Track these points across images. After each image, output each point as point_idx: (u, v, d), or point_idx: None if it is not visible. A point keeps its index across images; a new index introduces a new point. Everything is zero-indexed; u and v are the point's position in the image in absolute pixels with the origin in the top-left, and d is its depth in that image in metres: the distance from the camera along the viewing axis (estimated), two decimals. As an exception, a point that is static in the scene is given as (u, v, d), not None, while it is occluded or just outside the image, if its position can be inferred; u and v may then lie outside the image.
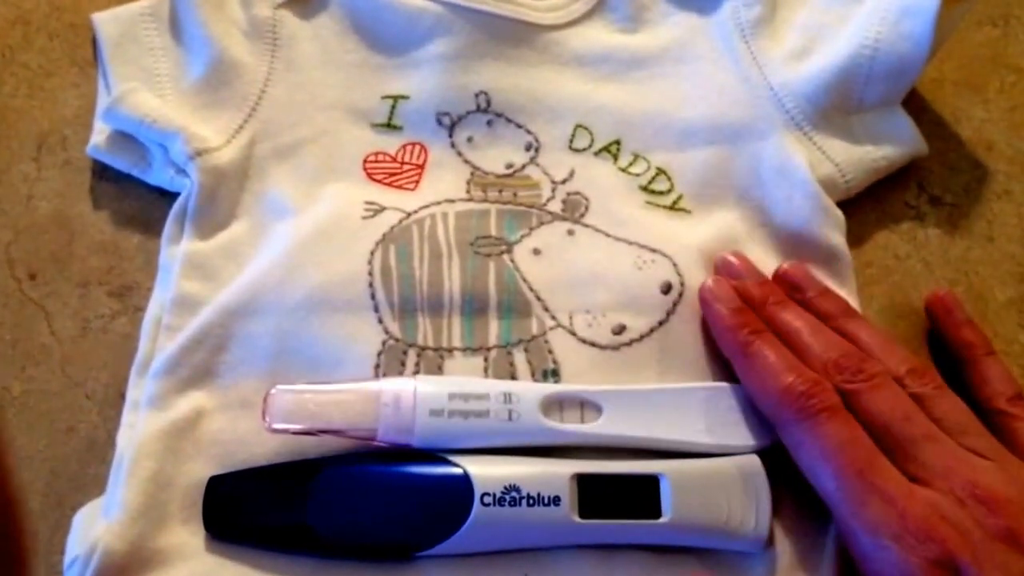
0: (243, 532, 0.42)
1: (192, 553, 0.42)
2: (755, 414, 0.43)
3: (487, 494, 0.40)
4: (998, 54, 0.57)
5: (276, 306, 0.46)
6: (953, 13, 0.50)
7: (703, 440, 0.43)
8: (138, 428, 0.44)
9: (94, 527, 0.41)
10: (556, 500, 0.40)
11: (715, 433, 0.43)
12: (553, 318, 0.46)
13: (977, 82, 0.56)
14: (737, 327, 0.44)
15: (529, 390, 0.43)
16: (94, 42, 0.54)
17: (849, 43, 0.51)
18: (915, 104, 0.54)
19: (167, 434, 0.43)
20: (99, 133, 0.52)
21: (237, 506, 0.42)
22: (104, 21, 0.54)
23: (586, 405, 0.43)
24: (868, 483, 0.38)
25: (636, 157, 0.51)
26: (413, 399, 0.42)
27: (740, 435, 0.43)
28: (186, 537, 0.42)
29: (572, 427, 0.43)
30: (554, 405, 0.43)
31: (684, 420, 0.43)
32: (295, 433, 0.42)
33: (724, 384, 0.44)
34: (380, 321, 0.46)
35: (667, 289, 0.47)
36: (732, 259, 0.47)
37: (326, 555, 0.41)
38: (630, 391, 0.44)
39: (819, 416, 0.39)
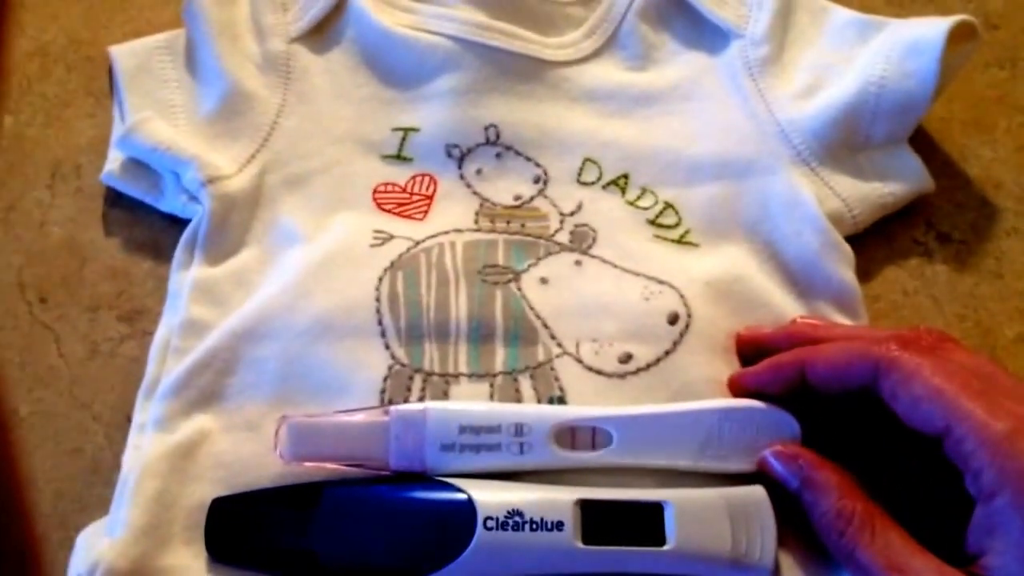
0: (245, 555, 0.42)
1: (194, 575, 0.41)
2: (769, 434, 0.43)
3: (490, 518, 0.40)
4: (1005, 95, 0.57)
5: (283, 330, 0.46)
6: (958, 53, 0.51)
7: (714, 465, 0.42)
8: (144, 449, 0.44)
9: (97, 546, 0.41)
10: (559, 525, 0.40)
11: (727, 458, 0.42)
12: (560, 346, 0.46)
13: (985, 122, 0.56)
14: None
15: (540, 419, 0.43)
16: (110, 74, 0.56)
17: (855, 81, 0.51)
18: (924, 143, 0.54)
19: (172, 455, 0.43)
20: (113, 161, 0.53)
21: (240, 529, 0.42)
22: (121, 54, 0.55)
23: (597, 431, 0.43)
24: None
25: (644, 191, 0.52)
26: (423, 433, 0.42)
27: (750, 458, 0.42)
28: (188, 559, 0.42)
29: (584, 455, 0.43)
30: (565, 433, 0.43)
31: (695, 443, 0.43)
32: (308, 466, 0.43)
33: (737, 401, 0.44)
34: (387, 347, 0.46)
35: (674, 320, 0.47)
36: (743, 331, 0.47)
37: (328, 579, 0.41)
38: (641, 414, 0.43)
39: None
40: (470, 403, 0.44)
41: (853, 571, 0.39)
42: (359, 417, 0.43)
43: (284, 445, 0.42)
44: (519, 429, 0.42)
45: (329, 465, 0.42)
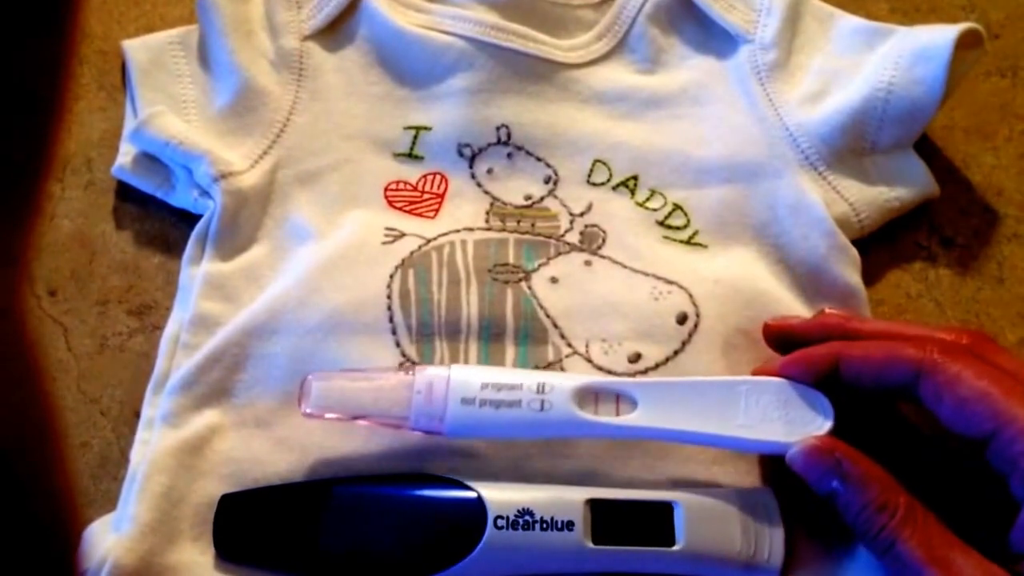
0: (253, 552, 0.42)
1: (201, 572, 0.42)
2: (795, 410, 0.41)
3: (500, 517, 0.40)
4: (1007, 103, 0.58)
5: (294, 327, 0.46)
6: (963, 60, 0.51)
7: (739, 435, 0.41)
8: (152, 444, 0.44)
9: (104, 541, 0.41)
10: (570, 525, 0.40)
11: (752, 428, 0.41)
12: (569, 345, 0.47)
13: (987, 130, 0.57)
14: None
15: (563, 381, 0.42)
16: (123, 68, 0.56)
17: (863, 86, 0.52)
18: (927, 150, 0.55)
19: (181, 451, 0.43)
20: (125, 155, 0.53)
21: (248, 526, 0.42)
22: (134, 48, 0.55)
23: (621, 398, 0.42)
24: None
25: (653, 193, 0.52)
26: (445, 387, 0.42)
27: (778, 431, 0.41)
28: (196, 555, 0.42)
29: (606, 419, 0.42)
30: (588, 397, 0.42)
31: (721, 414, 0.41)
32: (328, 419, 0.42)
33: (765, 379, 0.42)
34: (397, 344, 0.46)
35: (683, 320, 0.47)
36: (770, 321, 0.47)
37: (337, 577, 0.41)
38: (667, 383, 0.43)
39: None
40: (496, 368, 0.45)
41: (891, 565, 0.38)
42: (382, 374, 0.43)
43: (307, 397, 0.42)
44: (541, 387, 0.42)
45: (349, 421, 0.42)
